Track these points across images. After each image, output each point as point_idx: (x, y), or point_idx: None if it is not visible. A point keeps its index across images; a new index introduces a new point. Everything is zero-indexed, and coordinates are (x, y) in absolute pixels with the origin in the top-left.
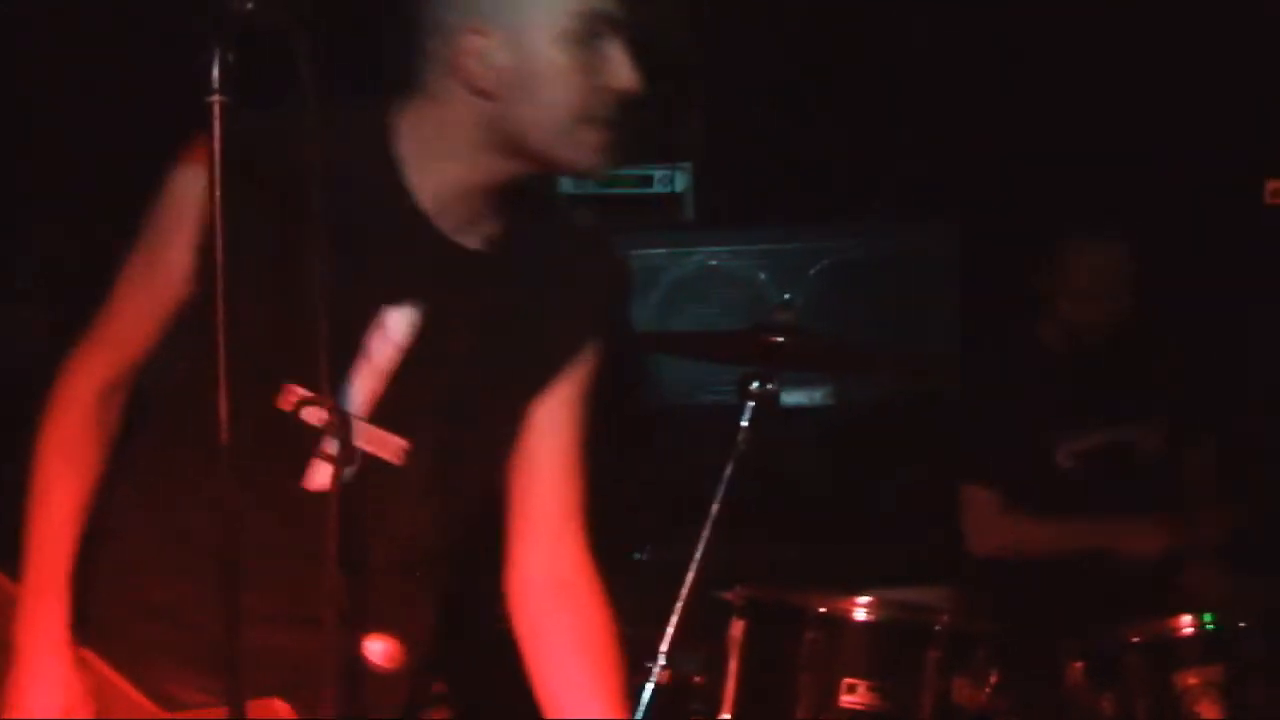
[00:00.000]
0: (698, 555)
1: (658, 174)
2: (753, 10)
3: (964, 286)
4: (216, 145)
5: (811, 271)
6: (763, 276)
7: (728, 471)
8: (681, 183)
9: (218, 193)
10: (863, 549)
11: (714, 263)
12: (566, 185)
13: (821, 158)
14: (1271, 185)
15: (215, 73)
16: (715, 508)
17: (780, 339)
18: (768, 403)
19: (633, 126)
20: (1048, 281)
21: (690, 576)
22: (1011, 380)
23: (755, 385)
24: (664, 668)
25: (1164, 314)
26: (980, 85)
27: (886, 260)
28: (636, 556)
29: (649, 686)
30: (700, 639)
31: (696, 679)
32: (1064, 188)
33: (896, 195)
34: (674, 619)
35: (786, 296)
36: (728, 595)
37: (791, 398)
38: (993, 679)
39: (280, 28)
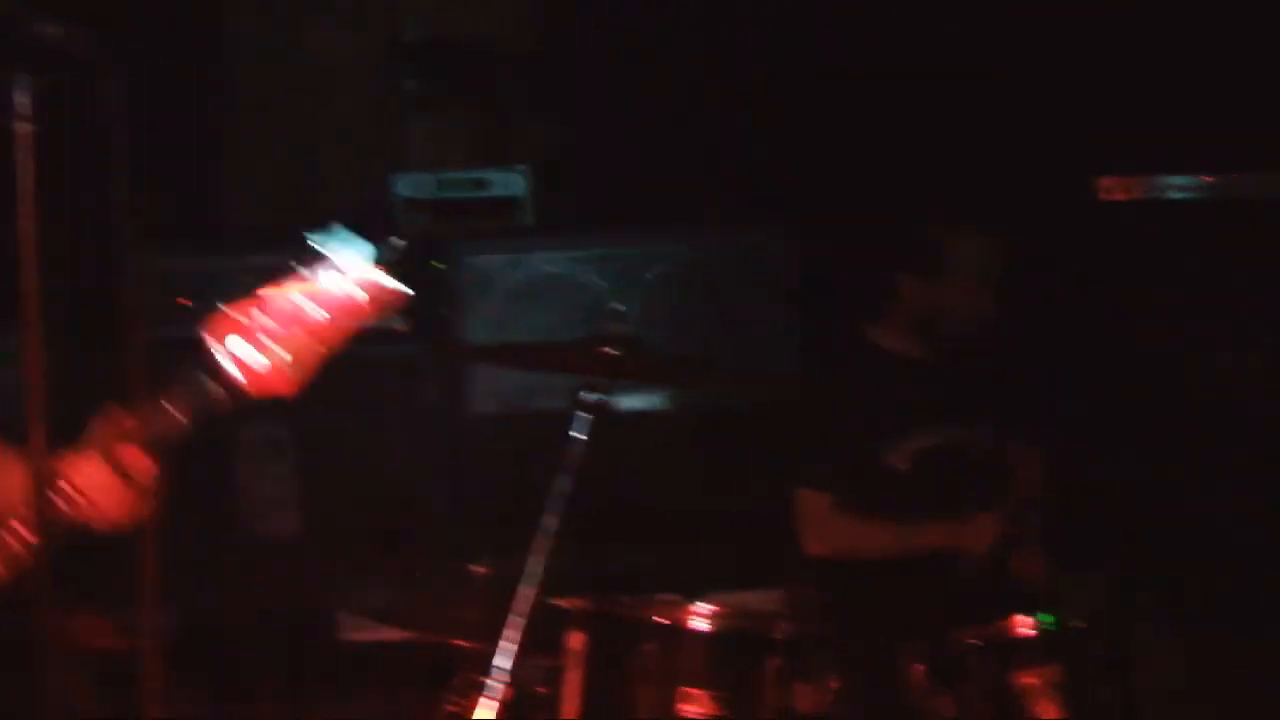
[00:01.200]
0: (532, 567)
1: (495, 177)
2: (589, 12)
3: (802, 287)
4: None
5: (649, 275)
6: (599, 281)
7: (561, 484)
8: (519, 186)
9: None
10: (702, 553)
11: (551, 269)
12: (404, 189)
13: (660, 160)
14: (1104, 183)
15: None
16: (549, 520)
17: (614, 351)
18: (602, 413)
19: (469, 129)
20: (919, 280)
21: (525, 589)
22: (845, 382)
23: (588, 396)
24: (507, 685)
25: (1004, 304)
26: (815, 86)
27: (724, 263)
28: (475, 569)
29: (492, 705)
30: (544, 649)
31: (539, 689)
32: (899, 189)
33: (734, 198)
34: (511, 633)
35: (620, 307)
36: (565, 605)
37: (631, 402)
38: (833, 684)
39: (88, 57)
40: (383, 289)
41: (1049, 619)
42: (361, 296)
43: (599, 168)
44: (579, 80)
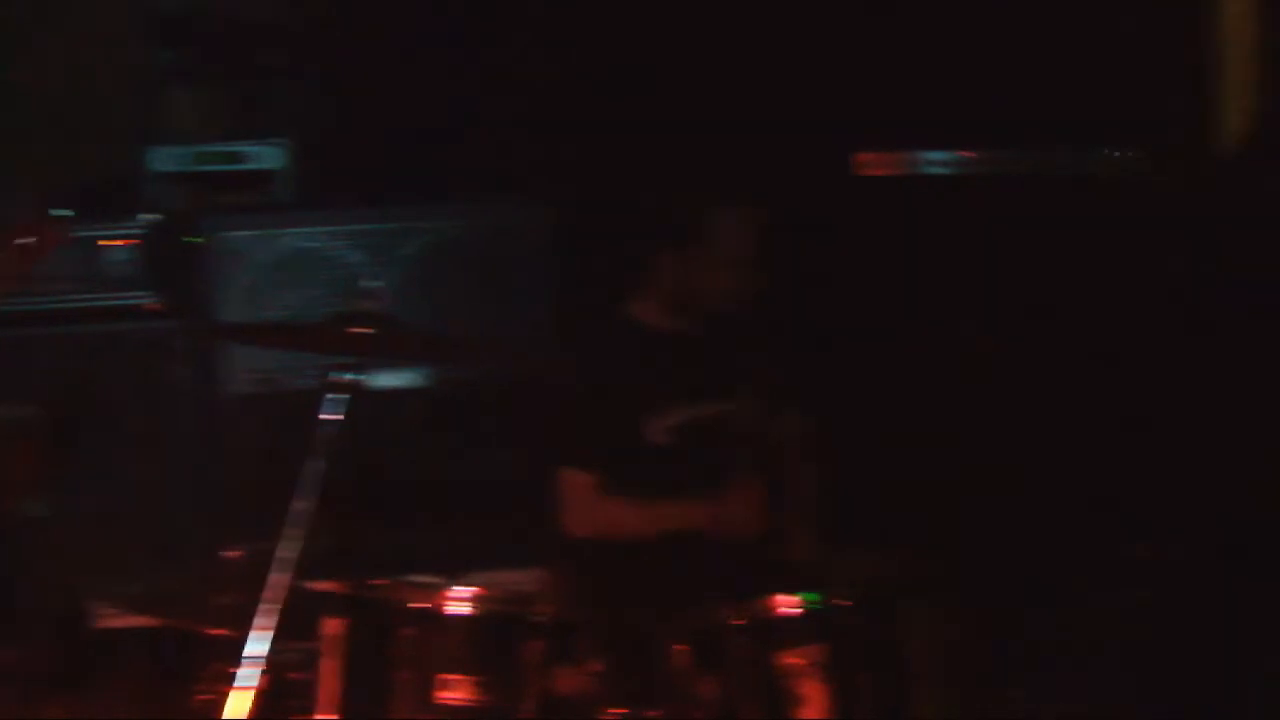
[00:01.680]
0: (286, 551)
1: (251, 150)
2: None
3: (560, 262)
4: None
5: (405, 251)
6: (354, 258)
7: (312, 466)
8: (276, 159)
9: None
10: (464, 531)
11: (304, 244)
12: (158, 162)
13: (416, 134)
14: (861, 158)
15: None
16: (302, 501)
17: (364, 330)
18: (353, 393)
19: (224, 100)
20: (676, 254)
21: (279, 574)
22: (604, 358)
23: (339, 376)
24: (264, 673)
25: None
26: (572, 56)
27: (481, 238)
28: (229, 553)
29: (248, 694)
30: (301, 634)
31: (296, 675)
32: (657, 164)
33: (491, 171)
34: (264, 620)
35: (372, 283)
36: (322, 589)
37: (388, 379)
38: (595, 667)
39: None
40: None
41: (813, 597)
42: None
43: (355, 142)
44: (336, 53)
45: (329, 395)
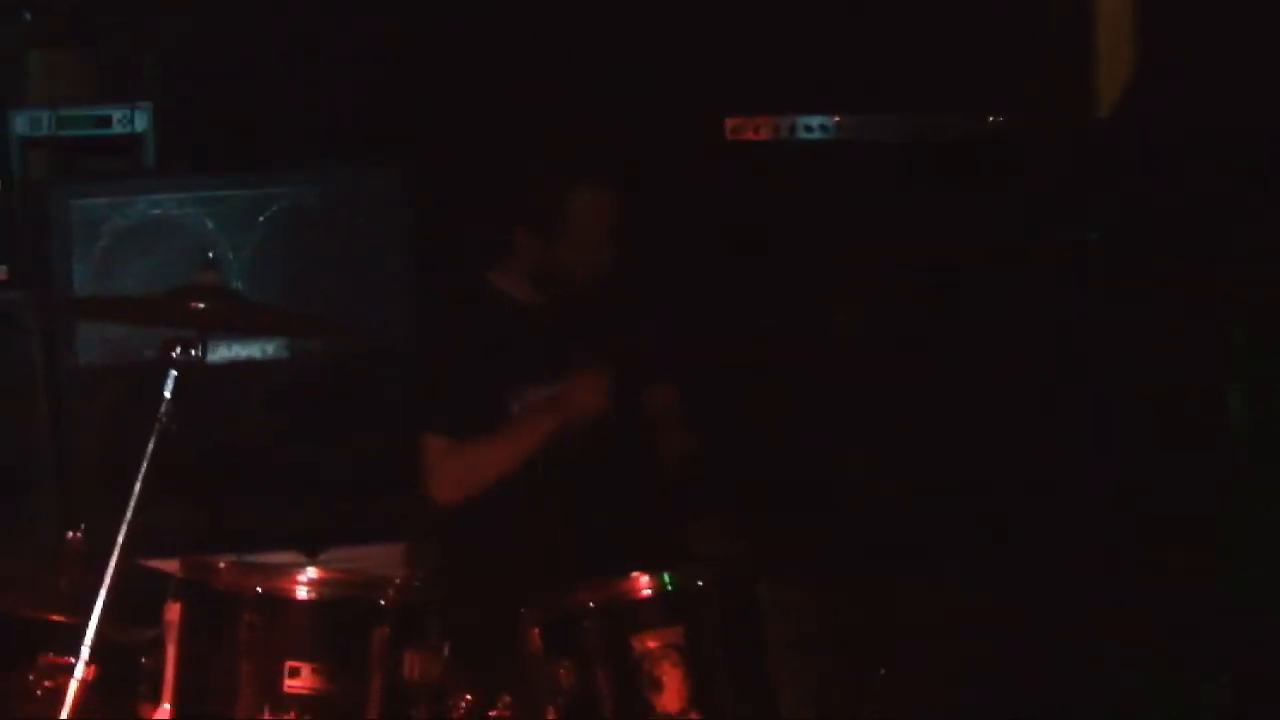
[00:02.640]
0: (128, 532)
1: (116, 114)
2: None
3: (419, 231)
4: None
5: (261, 219)
6: (210, 225)
7: (151, 445)
8: (142, 123)
9: None
10: (321, 508)
11: (157, 211)
12: (20, 127)
13: (280, 99)
14: (731, 122)
15: None
16: (140, 482)
17: (203, 305)
18: (196, 367)
19: (91, 65)
20: (537, 230)
21: (119, 557)
22: (465, 329)
23: (179, 351)
24: (89, 663)
25: (624, 253)
26: (436, 26)
27: (338, 205)
28: (70, 535)
29: (73, 683)
30: (149, 618)
31: (142, 660)
32: (519, 131)
33: (350, 138)
34: (103, 604)
35: (211, 255)
36: (163, 571)
37: (244, 351)
38: (446, 651)
39: None
40: None
41: (667, 578)
42: None
43: (219, 106)
44: (199, 17)
45: (171, 369)
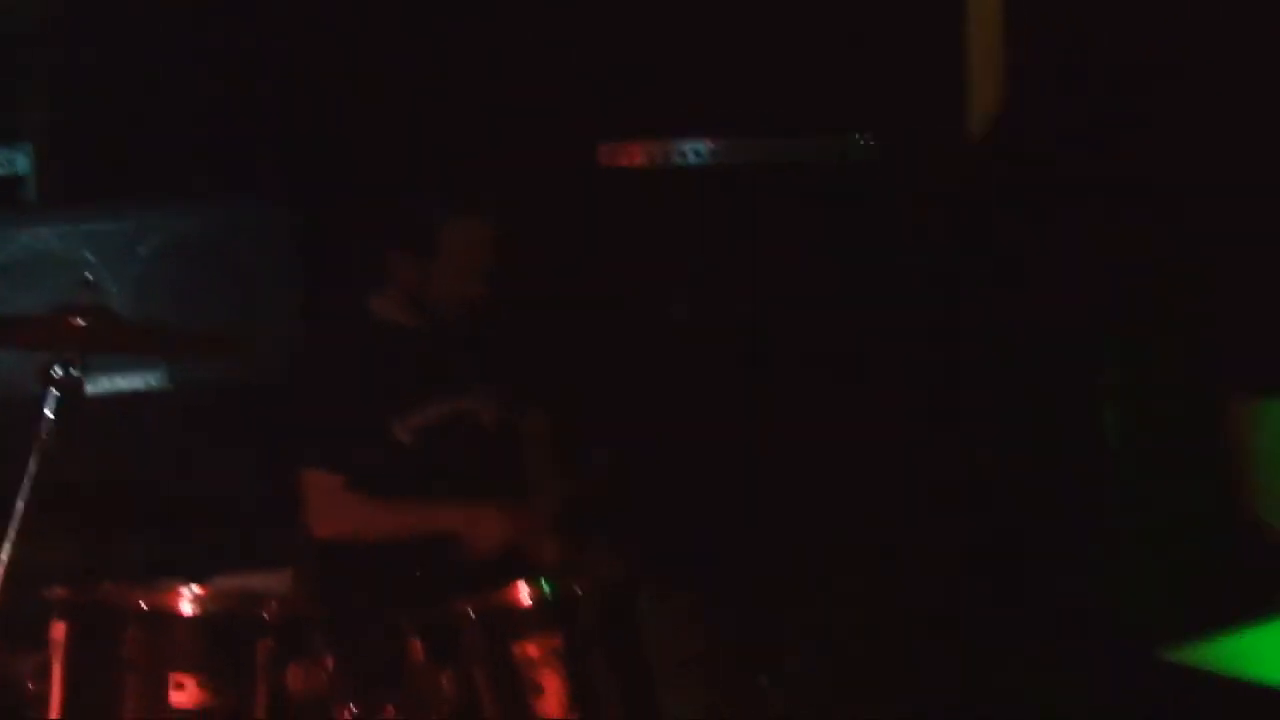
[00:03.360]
0: (5, 554)
1: None
2: None
3: (305, 261)
4: None
5: (141, 250)
6: (91, 258)
7: (32, 466)
8: (23, 165)
9: None
10: (207, 537)
11: (38, 246)
12: None
13: (154, 134)
14: (604, 148)
15: None
16: (21, 504)
17: (82, 322)
18: (72, 389)
19: None
20: (413, 259)
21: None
22: (344, 356)
23: (58, 371)
24: None
25: (501, 283)
26: (307, 58)
27: (220, 236)
28: None
29: None
30: (36, 644)
31: (30, 685)
32: (401, 158)
33: (228, 170)
34: None
35: (88, 276)
36: (47, 593)
37: (127, 382)
38: (329, 663)
39: None
40: None
41: (549, 587)
42: None
43: (92, 143)
44: (74, 56)
45: (51, 391)
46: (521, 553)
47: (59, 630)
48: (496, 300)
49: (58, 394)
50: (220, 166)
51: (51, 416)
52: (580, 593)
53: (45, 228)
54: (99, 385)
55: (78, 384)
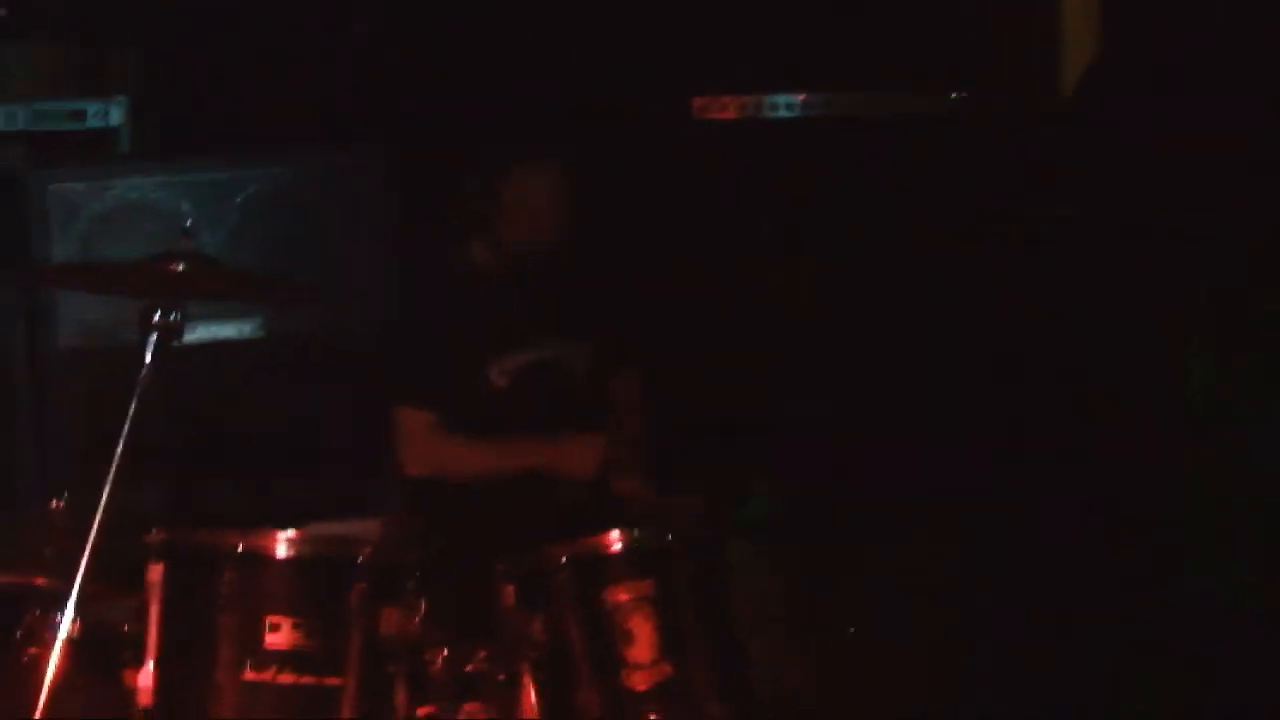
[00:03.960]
0: (109, 500)
1: (91, 109)
2: None
3: (399, 210)
4: None
5: (237, 200)
6: (186, 207)
7: (132, 407)
8: (117, 117)
9: None
10: (300, 486)
11: (134, 195)
12: None
13: (250, 85)
14: (698, 101)
15: None
16: (120, 448)
17: (181, 268)
18: (172, 334)
19: (66, 59)
20: (486, 204)
21: (99, 514)
22: (439, 300)
23: (158, 317)
24: (74, 620)
25: (596, 233)
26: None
27: (314, 186)
28: (54, 504)
29: (59, 638)
30: (133, 587)
31: (125, 627)
32: (495, 107)
33: (323, 120)
34: (85, 569)
35: (189, 223)
36: (145, 536)
37: (221, 330)
38: (422, 608)
39: None
40: None
41: (638, 534)
42: None
43: (189, 91)
44: (175, 9)
45: (151, 334)
46: (608, 487)
47: (156, 572)
48: (581, 249)
49: (157, 339)
50: (314, 117)
51: (150, 360)
52: (670, 541)
53: (141, 178)
54: (195, 334)
55: (177, 330)
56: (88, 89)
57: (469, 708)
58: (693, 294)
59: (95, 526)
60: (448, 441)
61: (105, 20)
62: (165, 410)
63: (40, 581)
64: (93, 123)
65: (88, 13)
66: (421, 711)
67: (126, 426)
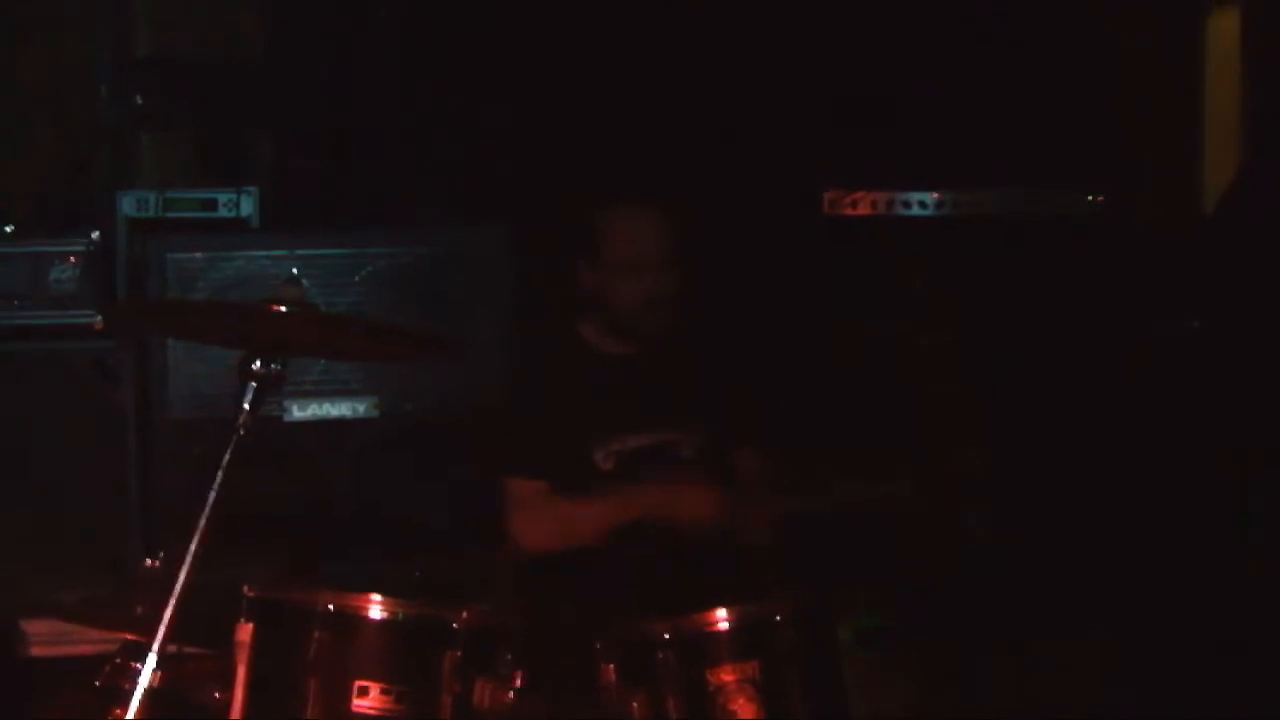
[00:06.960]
0: (193, 548)
1: (223, 198)
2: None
3: (516, 289)
4: None
5: (356, 278)
6: (306, 284)
7: (227, 456)
8: (248, 207)
9: None
10: (411, 560)
11: (253, 268)
12: (127, 208)
13: (379, 167)
14: (829, 195)
15: None
16: (212, 498)
17: (285, 310)
18: (272, 385)
19: (199, 147)
20: (589, 266)
21: (183, 574)
22: (550, 378)
23: (258, 365)
24: (155, 669)
25: (716, 319)
26: (530, 87)
27: (434, 264)
28: (149, 563)
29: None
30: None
31: (216, 694)
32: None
33: (446, 199)
34: (165, 617)
35: (294, 271)
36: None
37: (335, 409)
38: (517, 681)
39: None
40: None
41: (745, 611)
42: None
43: (313, 170)
44: (299, 89)
45: (251, 381)
46: (731, 536)
47: (245, 631)
48: (697, 335)
49: (255, 390)
50: (435, 196)
51: (248, 409)
52: (778, 619)
53: (260, 251)
54: (307, 411)
55: (277, 381)
56: (215, 171)
57: None
58: (809, 383)
59: (181, 579)
60: (561, 503)
61: (235, 106)
62: (278, 488)
63: (130, 636)
64: (224, 212)
65: (218, 99)
66: None
67: (219, 477)
